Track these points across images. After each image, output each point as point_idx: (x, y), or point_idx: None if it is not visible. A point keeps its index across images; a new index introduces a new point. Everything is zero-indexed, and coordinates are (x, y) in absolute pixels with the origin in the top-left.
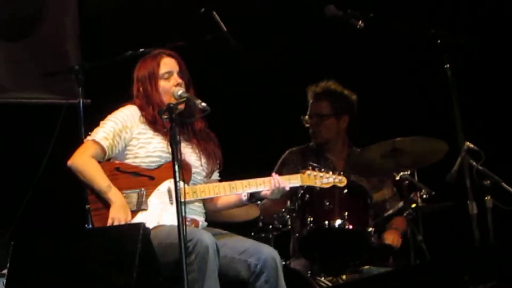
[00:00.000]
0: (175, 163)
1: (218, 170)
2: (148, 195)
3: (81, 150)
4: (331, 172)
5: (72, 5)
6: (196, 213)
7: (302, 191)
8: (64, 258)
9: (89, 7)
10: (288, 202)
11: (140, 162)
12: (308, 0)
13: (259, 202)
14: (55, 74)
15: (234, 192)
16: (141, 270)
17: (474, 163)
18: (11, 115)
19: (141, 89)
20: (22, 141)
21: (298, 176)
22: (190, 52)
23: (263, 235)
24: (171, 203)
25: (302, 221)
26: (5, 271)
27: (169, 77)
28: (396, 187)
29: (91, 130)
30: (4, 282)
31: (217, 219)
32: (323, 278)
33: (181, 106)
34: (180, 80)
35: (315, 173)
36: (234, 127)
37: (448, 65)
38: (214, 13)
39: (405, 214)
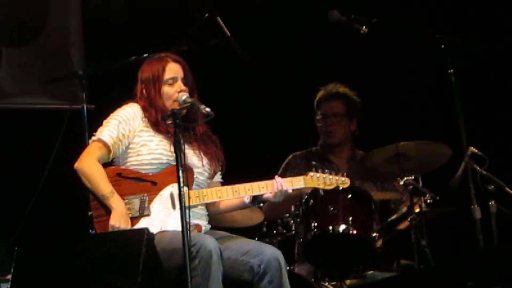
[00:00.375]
0: (179, 168)
1: (220, 172)
2: (150, 201)
3: (87, 152)
4: (334, 173)
5: (75, 11)
6: (199, 216)
7: (306, 196)
8: (68, 263)
9: (92, 12)
10: (293, 207)
11: (143, 160)
12: (308, 0)
13: (261, 204)
14: (59, 80)
15: (237, 195)
16: (145, 275)
17: (478, 168)
18: (15, 121)
19: (144, 91)
20: (26, 147)
21: (301, 178)
22: (190, 52)
23: (267, 240)
24: (174, 208)
25: (306, 226)
26: (9, 277)
27: (173, 83)
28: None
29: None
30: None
31: (220, 224)
32: (327, 283)
33: (184, 111)
34: (183, 87)
35: (318, 174)
36: (236, 128)
37: (452, 70)
38: (218, 18)
39: (409, 219)
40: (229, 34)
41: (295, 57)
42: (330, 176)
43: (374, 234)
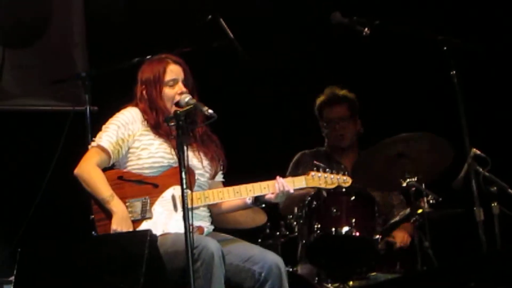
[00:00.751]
0: (182, 170)
1: (221, 172)
2: (152, 203)
3: (86, 158)
4: (335, 172)
5: (78, 12)
6: (201, 217)
7: (309, 198)
8: (71, 265)
9: (96, 13)
10: (296, 209)
11: (143, 163)
12: (308, 1)
13: (263, 205)
14: (62, 81)
15: (238, 196)
16: (148, 277)
17: (481, 170)
18: (17, 122)
19: (144, 92)
20: (28, 148)
21: (302, 178)
22: (191, 53)
23: (270, 241)
24: (176, 211)
25: (309, 228)
26: (12, 278)
27: (174, 85)
28: (403, 193)
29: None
30: None
31: (223, 225)
32: (330, 285)
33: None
34: (184, 89)
35: (319, 174)
36: (236, 128)
37: (454, 71)
38: (221, 20)
39: (411, 221)
40: (232, 36)
41: (295, 57)
42: (332, 176)
43: (377, 236)
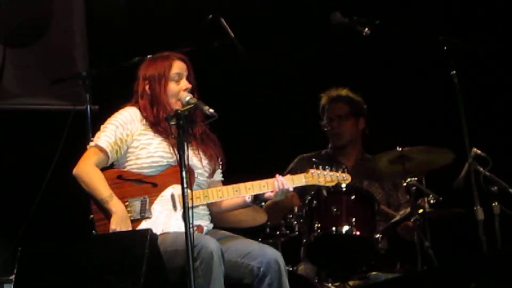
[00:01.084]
0: (183, 169)
1: (220, 170)
2: (151, 203)
3: (84, 158)
4: (334, 170)
5: (79, 12)
6: (200, 216)
7: (309, 197)
8: (71, 264)
9: (96, 13)
10: (296, 208)
11: (142, 163)
12: (308, 1)
13: (263, 203)
14: (62, 81)
15: (238, 195)
16: (149, 276)
17: (482, 169)
18: (18, 121)
19: (147, 87)
20: (29, 147)
21: (301, 176)
22: (191, 52)
23: (271, 241)
24: (175, 210)
25: (309, 227)
26: (12, 277)
27: (179, 80)
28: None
29: None
30: None
31: (223, 224)
32: (330, 284)
33: (186, 112)
34: (189, 85)
35: (318, 171)
36: (236, 128)
37: (454, 72)
38: (222, 19)
39: (412, 220)
40: (233, 35)
41: (295, 57)
42: (331, 173)
43: (377, 235)
